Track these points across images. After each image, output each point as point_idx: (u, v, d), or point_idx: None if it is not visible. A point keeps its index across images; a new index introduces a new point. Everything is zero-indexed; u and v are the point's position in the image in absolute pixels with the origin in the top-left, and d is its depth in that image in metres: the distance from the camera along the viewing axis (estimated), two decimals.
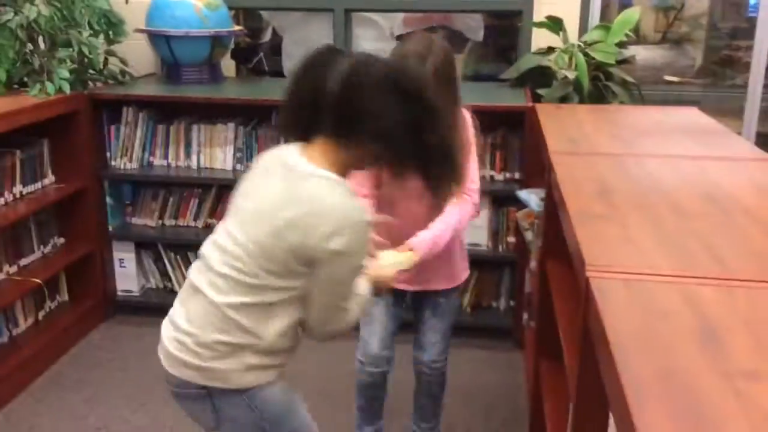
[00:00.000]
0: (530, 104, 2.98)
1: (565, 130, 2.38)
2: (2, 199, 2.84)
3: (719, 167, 1.90)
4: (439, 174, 1.56)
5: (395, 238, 1.93)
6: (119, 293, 3.45)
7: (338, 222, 1.40)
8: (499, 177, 3.19)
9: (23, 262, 2.99)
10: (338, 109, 1.44)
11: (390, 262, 1.82)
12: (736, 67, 4.09)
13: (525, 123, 2.98)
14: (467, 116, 2.14)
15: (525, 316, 3.10)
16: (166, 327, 1.59)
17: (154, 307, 3.45)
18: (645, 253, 1.28)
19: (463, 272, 2.29)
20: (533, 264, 2.77)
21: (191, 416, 1.62)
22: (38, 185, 3.06)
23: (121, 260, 3.42)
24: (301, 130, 1.52)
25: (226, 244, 1.49)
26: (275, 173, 1.49)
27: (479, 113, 3.05)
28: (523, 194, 2.70)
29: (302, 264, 1.43)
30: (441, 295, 2.23)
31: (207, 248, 1.55)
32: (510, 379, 2.96)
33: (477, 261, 3.24)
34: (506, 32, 4.04)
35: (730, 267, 1.20)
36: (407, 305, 2.29)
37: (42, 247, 3.11)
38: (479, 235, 3.20)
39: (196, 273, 1.55)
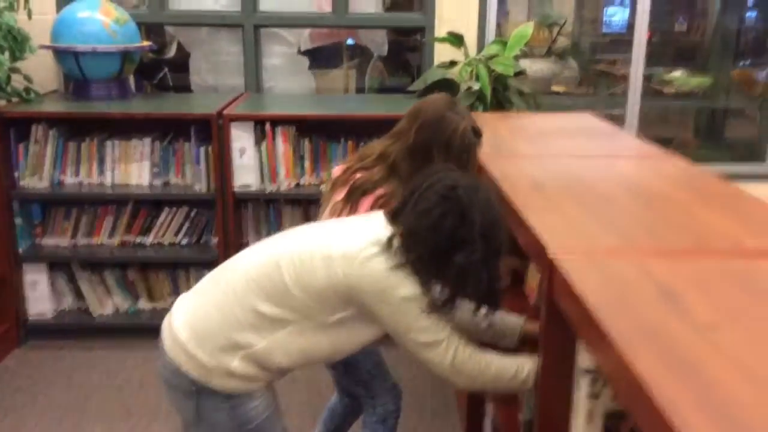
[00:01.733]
0: None
1: (484, 136, 2.58)
2: None
3: (625, 163, 2.15)
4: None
5: None
6: (31, 317, 3.33)
7: None
8: None
9: None
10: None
11: None
12: (611, 78, 4.50)
13: None
14: None
15: None
16: (178, 308, 1.64)
17: (69, 329, 3.37)
18: (592, 234, 1.46)
19: None
20: None
21: (173, 406, 1.66)
22: None
23: (32, 283, 3.30)
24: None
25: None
26: None
27: (394, 123, 3.23)
28: None
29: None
30: None
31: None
32: None
33: None
34: (408, 47, 4.24)
35: (668, 241, 1.41)
36: None
37: None
38: None
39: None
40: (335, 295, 1.52)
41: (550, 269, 1.34)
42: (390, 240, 1.52)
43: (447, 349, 1.54)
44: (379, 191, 1.92)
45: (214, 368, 1.54)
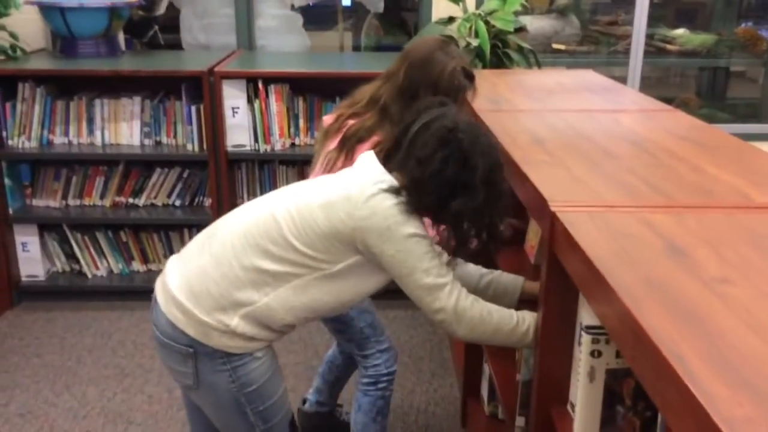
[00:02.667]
0: None
1: (482, 92, 2.50)
2: None
3: (629, 118, 2.09)
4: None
5: None
6: (24, 279, 3.29)
7: None
8: None
9: None
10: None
11: None
12: (613, 37, 4.41)
13: None
14: None
15: None
16: (172, 267, 1.57)
17: (61, 290, 3.33)
18: (595, 189, 1.41)
19: None
20: None
21: (169, 370, 1.59)
22: None
23: (23, 244, 3.25)
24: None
25: None
26: None
27: None
28: None
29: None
30: None
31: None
32: (432, 335, 3.10)
33: None
34: (405, 4, 4.14)
35: (673, 197, 1.36)
36: None
37: None
38: None
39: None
40: (339, 242, 1.47)
41: (551, 223, 1.29)
42: (397, 190, 1.47)
43: (450, 293, 1.49)
44: (375, 138, 1.86)
45: (213, 327, 1.48)
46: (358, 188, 1.47)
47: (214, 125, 3.07)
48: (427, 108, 1.56)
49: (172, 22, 4.00)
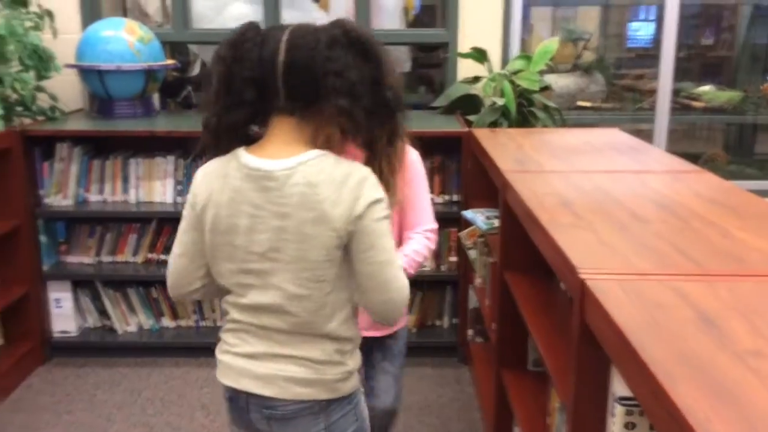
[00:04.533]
0: (466, 129, 3.14)
1: (508, 151, 2.54)
2: None
3: (657, 179, 2.09)
4: (386, 129, 1.53)
5: None
6: (56, 335, 3.33)
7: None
8: (439, 200, 3.32)
9: None
10: (294, 78, 1.36)
11: None
12: (638, 93, 4.44)
13: (462, 147, 3.14)
14: (411, 151, 2.04)
15: (470, 332, 3.22)
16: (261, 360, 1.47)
17: (93, 347, 3.36)
18: (624, 255, 1.41)
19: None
20: (478, 281, 2.91)
21: None
22: None
23: (57, 300, 3.31)
24: (244, 123, 1.42)
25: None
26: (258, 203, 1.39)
27: (418, 139, 3.19)
28: (469, 214, 2.84)
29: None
30: (391, 337, 2.13)
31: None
32: (460, 394, 3.07)
33: (420, 282, 3.36)
34: (431, 63, 4.22)
35: (703, 264, 1.36)
36: None
37: None
38: None
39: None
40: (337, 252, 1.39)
41: (581, 291, 1.30)
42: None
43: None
44: None
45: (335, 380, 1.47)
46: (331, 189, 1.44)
47: None
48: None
49: (204, 82, 4.11)
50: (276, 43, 1.38)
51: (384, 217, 1.39)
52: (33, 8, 3.26)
